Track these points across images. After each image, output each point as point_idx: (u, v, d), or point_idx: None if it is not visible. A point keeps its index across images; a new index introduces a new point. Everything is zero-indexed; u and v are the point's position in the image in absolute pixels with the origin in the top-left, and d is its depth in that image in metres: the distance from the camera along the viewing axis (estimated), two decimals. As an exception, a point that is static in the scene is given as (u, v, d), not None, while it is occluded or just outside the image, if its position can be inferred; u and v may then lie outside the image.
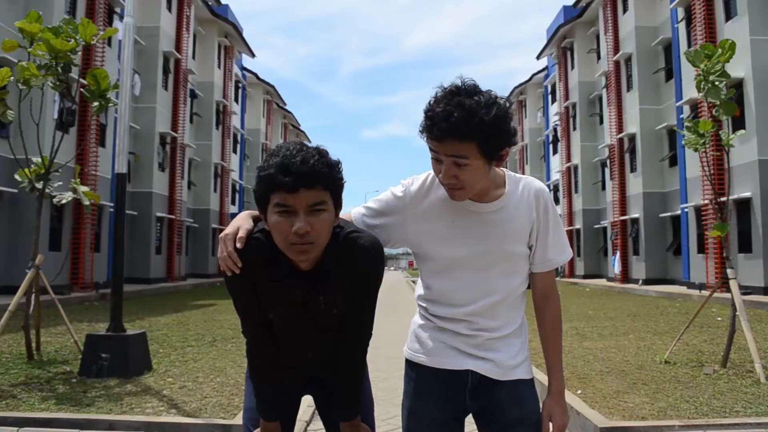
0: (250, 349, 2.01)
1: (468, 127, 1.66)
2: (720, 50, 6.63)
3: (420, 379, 1.96)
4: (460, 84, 1.73)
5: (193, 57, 31.59)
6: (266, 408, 2.01)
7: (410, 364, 2.00)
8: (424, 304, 1.98)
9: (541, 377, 5.23)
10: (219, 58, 34.04)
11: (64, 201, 8.01)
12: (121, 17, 20.52)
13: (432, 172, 1.89)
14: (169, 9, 27.64)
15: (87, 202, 7.98)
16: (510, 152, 1.93)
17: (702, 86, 6.75)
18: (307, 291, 1.87)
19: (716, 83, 6.68)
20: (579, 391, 5.71)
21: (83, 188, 8.02)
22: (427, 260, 1.95)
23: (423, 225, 1.92)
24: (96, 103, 7.29)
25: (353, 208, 2.06)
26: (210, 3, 32.23)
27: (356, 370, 2.03)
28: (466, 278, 1.88)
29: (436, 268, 1.92)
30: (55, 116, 17.46)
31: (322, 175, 1.68)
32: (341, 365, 2.01)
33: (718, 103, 6.79)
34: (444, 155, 1.73)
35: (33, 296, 7.13)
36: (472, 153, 1.70)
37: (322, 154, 1.72)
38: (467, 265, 1.88)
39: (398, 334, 10.50)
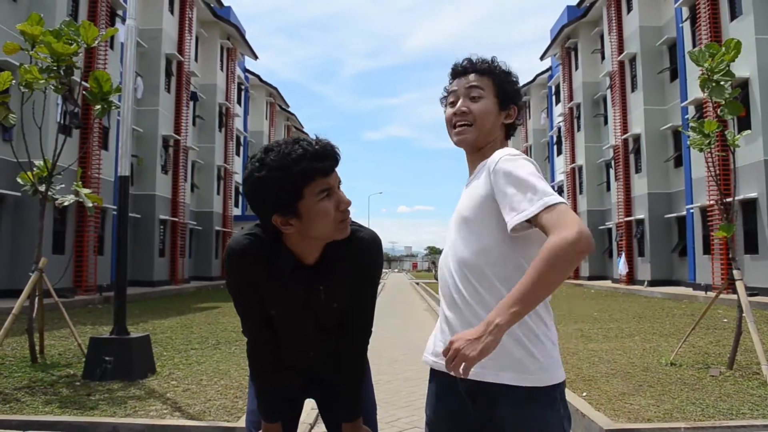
0: (250, 348, 2.02)
1: (487, 64, 1.93)
2: (724, 49, 6.59)
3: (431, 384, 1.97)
4: None
5: (196, 59, 31.61)
6: (267, 408, 2.02)
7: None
8: None
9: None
10: (221, 61, 34.08)
11: (66, 203, 8.00)
12: (124, 20, 20.54)
13: None
14: (172, 11, 27.67)
15: (90, 205, 7.98)
16: (516, 120, 1.97)
17: (706, 85, 6.71)
18: (308, 284, 1.90)
19: (721, 82, 6.64)
20: (584, 393, 5.67)
21: (85, 191, 8.01)
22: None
23: None
24: (98, 106, 7.28)
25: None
26: (212, 5, 32.27)
27: (357, 368, 2.04)
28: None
29: None
30: (58, 119, 17.50)
31: (338, 153, 1.83)
32: (342, 363, 2.02)
33: (722, 102, 6.75)
34: (462, 89, 1.92)
35: (36, 299, 7.13)
36: (488, 87, 1.91)
37: (321, 137, 1.84)
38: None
39: (401, 337, 10.48)
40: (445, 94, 2.00)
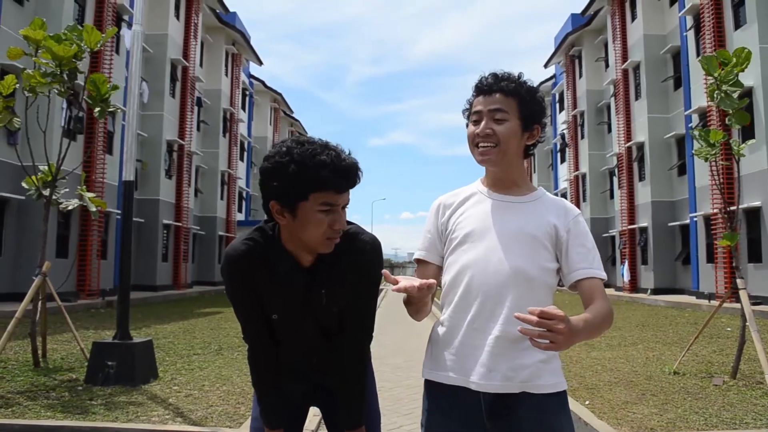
0: (251, 354, 2.02)
1: (513, 83, 1.90)
2: (735, 59, 6.57)
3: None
4: None
5: (201, 65, 31.70)
6: (269, 415, 2.02)
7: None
8: None
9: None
10: (226, 66, 34.17)
11: (70, 207, 8.02)
12: (130, 25, 20.61)
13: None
14: (177, 17, 27.77)
15: (94, 209, 7.99)
16: (539, 138, 1.99)
17: (715, 95, 6.70)
18: (307, 286, 1.90)
19: (729, 92, 6.63)
20: (587, 402, 5.65)
21: (89, 194, 8.03)
22: None
23: None
24: (98, 109, 7.31)
25: None
26: (218, 11, 32.37)
27: (357, 373, 2.03)
28: None
29: None
30: (63, 124, 17.55)
31: (360, 177, 1.83)
32: (343, 367, 2.01)
33: (730, 112, 6.74)
34: (486, 110, 1.89)
35: (39, 303, 7.13)
36: (512, 110, 1.89)
37: (351, 154, 1.83)
38: None
39: (403, 344, 10.45)
40: (467, 106, 1.98)
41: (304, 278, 1.89)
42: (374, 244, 1.96)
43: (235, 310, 1.98)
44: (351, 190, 1.86)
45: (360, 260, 1.92)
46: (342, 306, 1.94)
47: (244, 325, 1.99)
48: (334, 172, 1.74)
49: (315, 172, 1.72)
